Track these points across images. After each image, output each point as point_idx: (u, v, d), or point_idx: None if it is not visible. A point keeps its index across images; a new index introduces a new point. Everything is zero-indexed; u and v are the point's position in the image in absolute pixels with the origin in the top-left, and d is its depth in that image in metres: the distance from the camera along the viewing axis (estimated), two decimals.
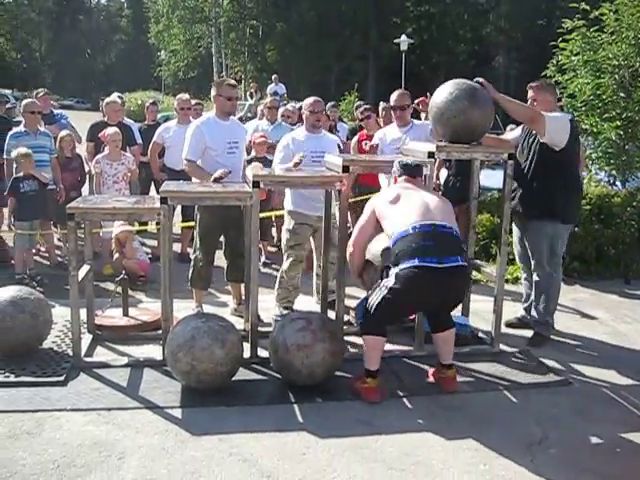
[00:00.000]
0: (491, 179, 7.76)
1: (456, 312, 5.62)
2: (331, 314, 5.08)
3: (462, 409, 4.22)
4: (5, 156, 7.15)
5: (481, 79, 4.94)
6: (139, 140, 8.20)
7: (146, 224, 7.36)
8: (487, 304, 5.48)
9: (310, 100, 5.77)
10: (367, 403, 4.20)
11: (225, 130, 5.45)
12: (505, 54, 38.83)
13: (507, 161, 4.95)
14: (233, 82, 5.58)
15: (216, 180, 5.01)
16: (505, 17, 38.52)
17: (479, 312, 5.76)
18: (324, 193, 5.10)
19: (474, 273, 5.77)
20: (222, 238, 5.66)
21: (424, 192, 4.40)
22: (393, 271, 4.05)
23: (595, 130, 8.26)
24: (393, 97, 6.15)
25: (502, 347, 5.19)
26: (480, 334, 5.45)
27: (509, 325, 5.59)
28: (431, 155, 4.78)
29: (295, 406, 4.18)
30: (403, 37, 27.45)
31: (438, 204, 4.29)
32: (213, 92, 5.51)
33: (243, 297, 5.80)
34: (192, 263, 5.63)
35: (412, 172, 4.52)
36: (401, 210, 4.22)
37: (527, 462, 3.61)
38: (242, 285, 5.75)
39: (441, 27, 39.95)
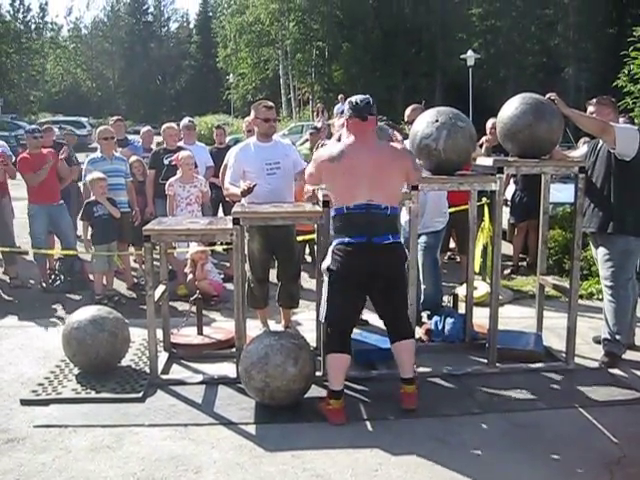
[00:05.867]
0: (562, 193, 7.64)
1: (529, 328, 5.61)
2: None
3: (536, 427, 4.16)
4: (83, 181, 7.46)
5: (553, 95, 4.92)
6: (210, 162, 8.40)
7: (215, 244, 7.54)
8: (561, 320, 5.39)
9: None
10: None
11: (264, 152, 5.46)
12: (575, 65, 38.02)
13: (578, 174, 4.89)
14: (269, 104, 5.54)
15: (244, 193, 5.07)
16: (574, 27, 37.80)
17: (553, 328, 5.67)
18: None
19: (546, 289, 5.69)
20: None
21: (372, 150, 4.27)
22: (330, 249, 4.31)
23: None
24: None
25: (577, 364, 5.10)
26: (554, 351, 5.35)
27: (598, 342, 5.46)
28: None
29: (367, 423, 4.20)
30: (469, 52, 27.26)
31: (380, 174, 4.21)
32: (252, 115, 5.55)
33: (291, 321, 5.94)
34: (247, 284, 5.70)
35: (362, 112, 4.29)
36: (342, 182, 4.24)
37: None
38: (291, 310, 5.90)
39: (508, 41, 39.45)
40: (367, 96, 4.39)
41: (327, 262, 4.29)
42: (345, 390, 4.61)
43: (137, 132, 10.31)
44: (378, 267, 4.21)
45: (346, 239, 4.18)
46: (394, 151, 4.38)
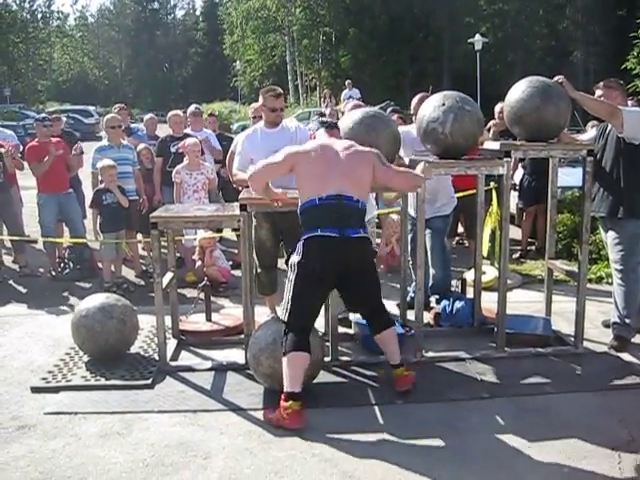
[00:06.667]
0: (570, 177, 7.60)
1: (538, 313, 5.60)
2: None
3: (545, 411, 4.15)
4: (92, 170, 7.47)
5: (561, 78, 4.88)
6: (218, 147, 8.41)
7: (222, 230, 7.55)
8: (570, 304, 5.37)
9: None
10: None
11: (270, 139, 5.35)
12: (583, 48, 37.75)
13: (586, 158, 4.86)
14: (278, 92, 5.39)
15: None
16: (582, 10, 37.48)
17: (562, 312, 5.66)
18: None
19: (555, 273, 5.67)
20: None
21: (340, 146, 4.33)
22: (300, 244, 4.16)
23: None
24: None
25: (586, 348, 5.09)
26: (563, 335, 5.34)
27: (607, 325, 5.44)
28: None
29: (375, 408, 4.21)
30: (477, 36, 27.06)
31: (349, 166, 4.22)
32: (260, 101, 5.47)
33: None
34: (254, 270, 5.66)
35: (329, 125, 4.61)
36: (314, 172, 4.22)
37: (613, 465, 3.53)
38: None
39: (516, 24, 39.17)
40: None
41: (297, 257, 4.14)
42: (353, 375, 4.65)
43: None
44: (350, 262, 4.13)
45: (318, 231, 4.07)
46: (360, 149, 4.39)
